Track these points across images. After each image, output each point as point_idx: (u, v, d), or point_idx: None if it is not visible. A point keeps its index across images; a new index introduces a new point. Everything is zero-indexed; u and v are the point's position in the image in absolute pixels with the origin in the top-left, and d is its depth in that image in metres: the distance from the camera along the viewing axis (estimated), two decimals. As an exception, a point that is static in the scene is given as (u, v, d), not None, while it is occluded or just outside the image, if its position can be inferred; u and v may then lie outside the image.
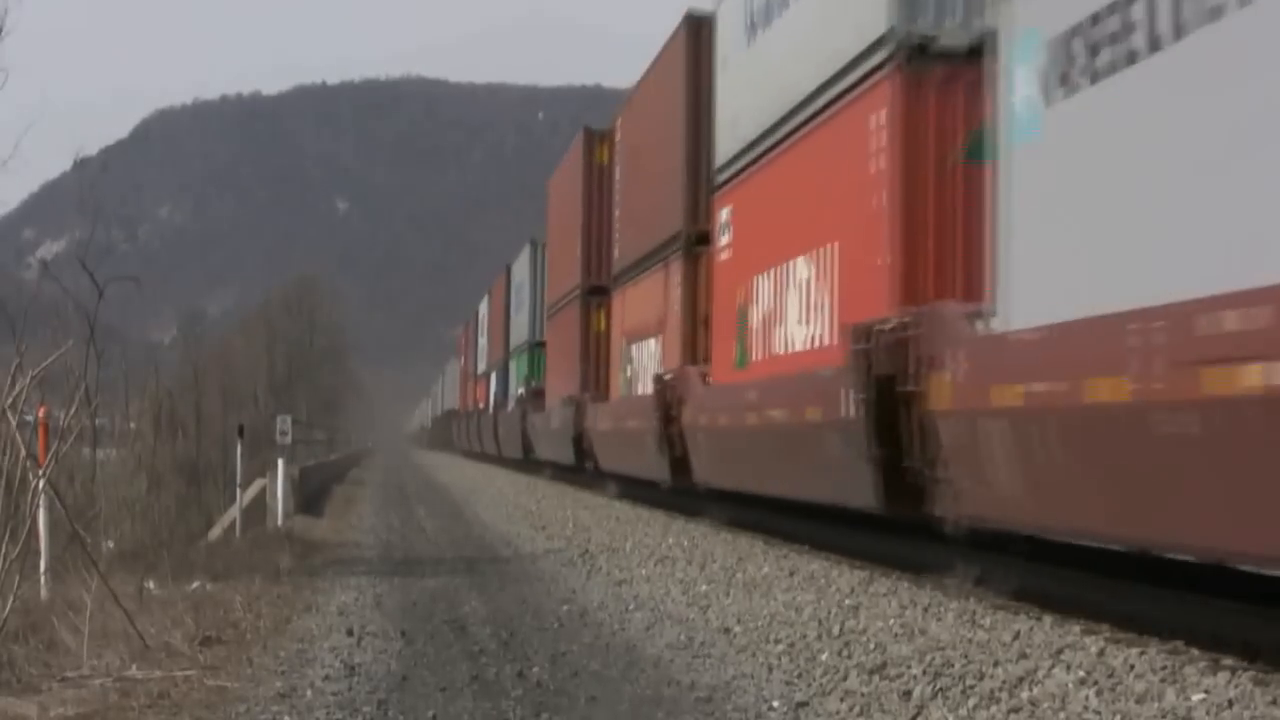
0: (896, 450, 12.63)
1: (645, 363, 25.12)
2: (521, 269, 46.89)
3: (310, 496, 31.99)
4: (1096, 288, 9.47)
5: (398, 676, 9.20)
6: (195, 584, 13.91)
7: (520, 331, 46.10)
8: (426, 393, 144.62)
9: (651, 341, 24.70)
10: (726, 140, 19.61)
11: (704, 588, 13.57)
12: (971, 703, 7.95)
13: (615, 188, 29.75)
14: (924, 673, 8.72)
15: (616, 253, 29.00)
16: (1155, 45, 8.89)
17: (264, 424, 36.98)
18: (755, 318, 17.81)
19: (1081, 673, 8.43)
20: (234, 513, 24.36)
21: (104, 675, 9.13)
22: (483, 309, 64.08)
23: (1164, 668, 8.47)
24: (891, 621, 10.86)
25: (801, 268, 15.99)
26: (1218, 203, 8.30)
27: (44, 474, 11.07)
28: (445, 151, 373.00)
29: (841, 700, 8.23)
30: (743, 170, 18.71)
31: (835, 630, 10.61)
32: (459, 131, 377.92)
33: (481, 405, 61.07)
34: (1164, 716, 7.46)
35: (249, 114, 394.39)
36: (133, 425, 26.23)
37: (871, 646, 9.83)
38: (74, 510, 13.34)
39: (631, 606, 12.58)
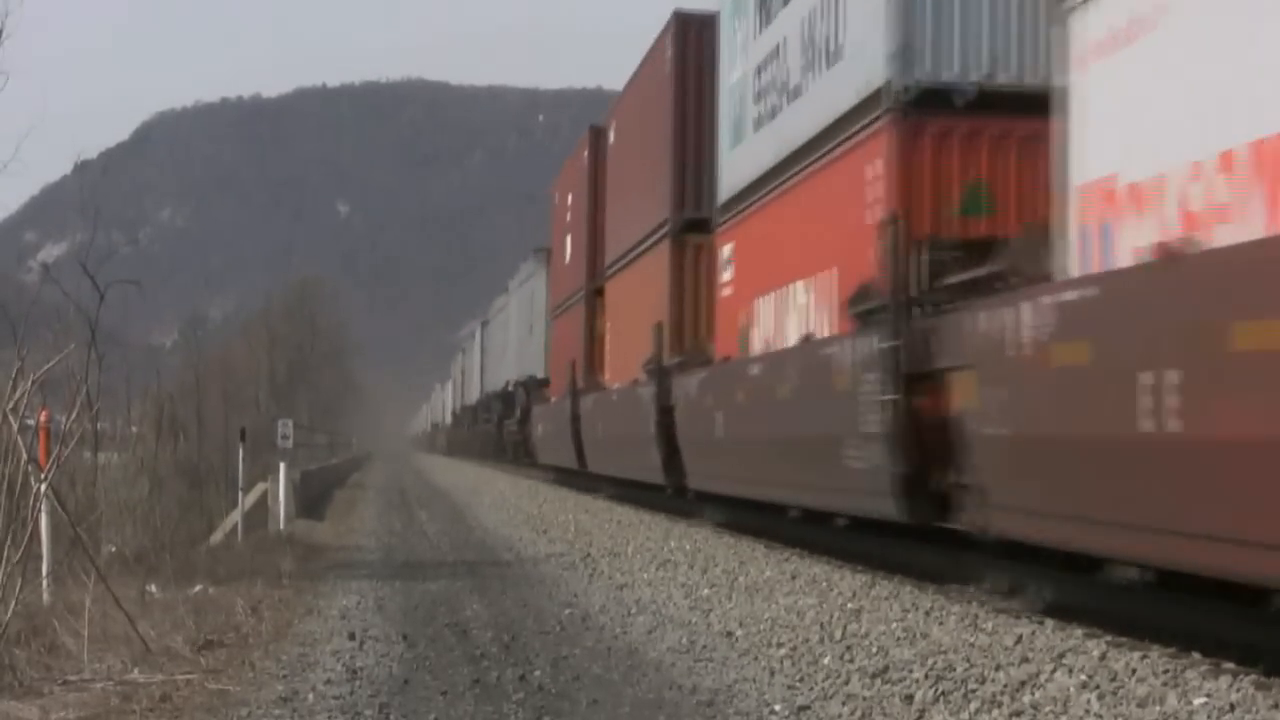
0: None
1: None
2: None
3: (311, 500, 32.00)
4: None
5: (399, 680, 9.20)
6: (197, 587, 13.91)
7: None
8: (431, 385, 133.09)
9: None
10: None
11: (706, 591, 13.57)
12: (973, 707, 7.95)
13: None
14: (926, 676, 8.72)
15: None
16: None
17: (265, 428, 36.95)
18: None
19: (1083, 676, 8.43)
20: (235, 516, 24.35)
21: (105, 679, 9.14)
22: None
23: (1166, 671, 8.47)
24: (894, 625, 10.86)
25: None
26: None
27: (45, 478, 11.07)
28: (446, 154, 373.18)
29: (843, 704, 8.22)
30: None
31: (837, 634, 10.60)
32: (460, 134, 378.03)
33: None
34: (1166, 720, 7.46)
35: (250, 116, 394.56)
36: (134, 429, 26.20)
37: (874, 650, 9.83)
38: (75, 514, 13.34)
39: (633, 610, 12.58)
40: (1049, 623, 10.60)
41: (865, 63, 14.00)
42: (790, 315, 16.75)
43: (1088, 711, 7.68)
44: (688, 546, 18.35)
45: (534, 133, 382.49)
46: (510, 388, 51.50)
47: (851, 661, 9.48)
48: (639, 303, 25.36)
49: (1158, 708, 7.66)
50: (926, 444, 12.58)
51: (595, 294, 30.53)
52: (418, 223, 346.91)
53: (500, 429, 55.36)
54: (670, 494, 23.88)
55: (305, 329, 73.36)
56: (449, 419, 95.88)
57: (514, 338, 51.19)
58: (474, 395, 71.00)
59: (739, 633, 10.99)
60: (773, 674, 9.28)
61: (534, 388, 42.99)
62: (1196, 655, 9.11)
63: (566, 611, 12.61)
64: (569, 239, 34.98)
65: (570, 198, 35.17)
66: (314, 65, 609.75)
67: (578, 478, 35.20)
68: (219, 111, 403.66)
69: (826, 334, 15.13)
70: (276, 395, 57.51)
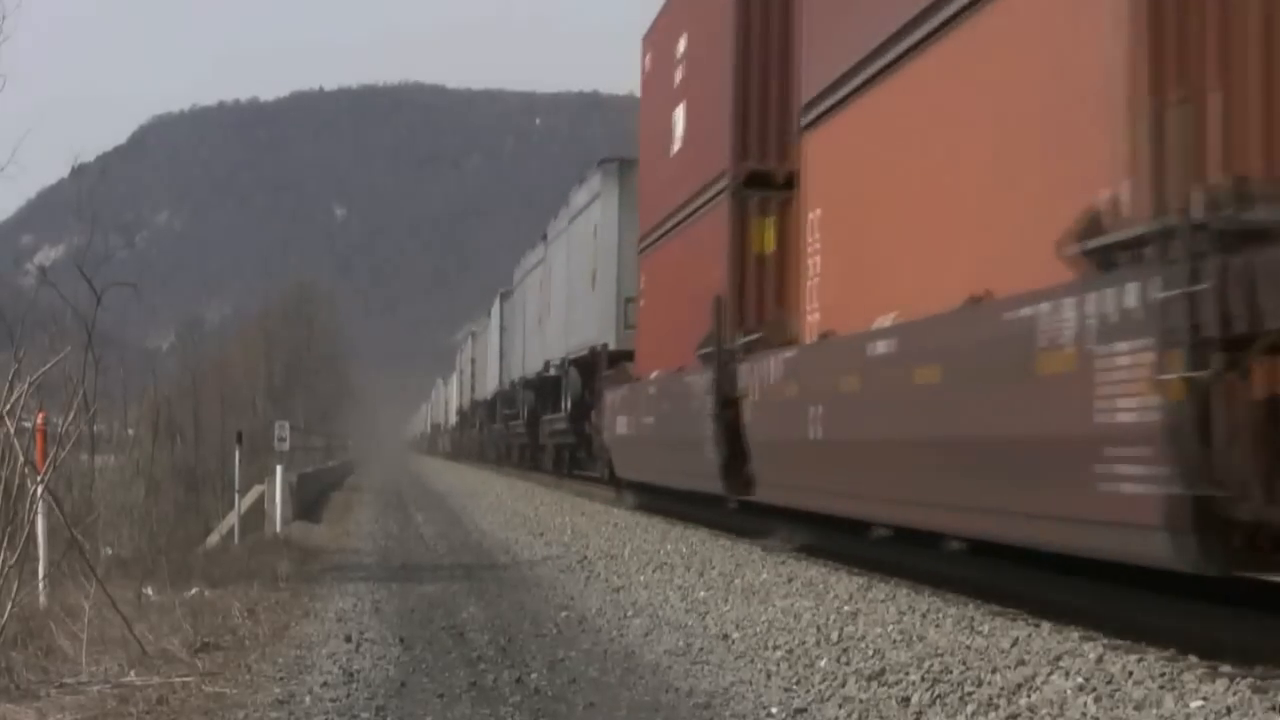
0: None
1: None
2: None
3: (308, 503, 31.99)
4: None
5: (396, 683, 9.20)
6: (193, 590, 13.91)
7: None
8: (430, 386, 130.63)
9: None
10: None
11: (703, 594, 13.56)
12: (970, 709, 7.96)
13: None
14: (922, 679, 8.72)
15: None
16: None
17: (262, 430, 37.00)
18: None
19: (1080, 679, 8.43)
20: (232, 519, 24.35)
21: (102, 681, 9.14)
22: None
23: (1162, 674, 8.47)
24: (890, 628, 10.86)
25: None
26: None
27: (42, 480, 11.07)
28: (443, 157, 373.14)
29: (840, 706, 8.23)
30: None
31: (834, 636, 10.61)
32: (456, 137, 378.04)
33: None
34: (1162, 723, 7.46)
35: (247, 120, 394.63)
36: (131, 432, 26.24)
37: (870, 653, 9.83)
38: (72, 517, 13.35)
39: (630, 613, 12.58)
40: (1045, 625, 10.61)
41: None
42: None
43: (1084, 714, 7.68)
44: (684, 549, 18.34)
45: (531, 135, 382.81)
46: (551, 370, 38.07)
47: (848, 664, 9.48)
48: (992, 122, 11.43)
49: (1155, 710, 7.66)
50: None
51: (752, 183, 18.15)
52: (414, 226, 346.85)
53: (534, 428, 42.27)
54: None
55: (302, 332, 73.32)
56: (453, 418, 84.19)
57: (560, 299, 36.71)
58: (489, 387, 57.31)
59: (735, 635, 10.99)
60: (769, 676, 9.29)
61: (600, 365, 29.72)
62: (1193, 658, 9.11)
63: (563, 614, 12.61)
64: (680, 114, 21.91)
65: (684, 42, 22.04)
66: (311, 69, 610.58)
67: (710, 510, 21.37)
68: (216, 115, 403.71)
69: None
70: (273, 398, 57.50)
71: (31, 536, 11.07)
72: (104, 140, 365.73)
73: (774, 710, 8.23)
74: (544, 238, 41.98)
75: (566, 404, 35.10)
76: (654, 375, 23.11)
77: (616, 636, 11.30)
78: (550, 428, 38.82)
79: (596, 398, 29.74)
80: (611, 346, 29.16)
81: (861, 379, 13.43)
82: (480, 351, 64.63)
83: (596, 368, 30.27)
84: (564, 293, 35.99)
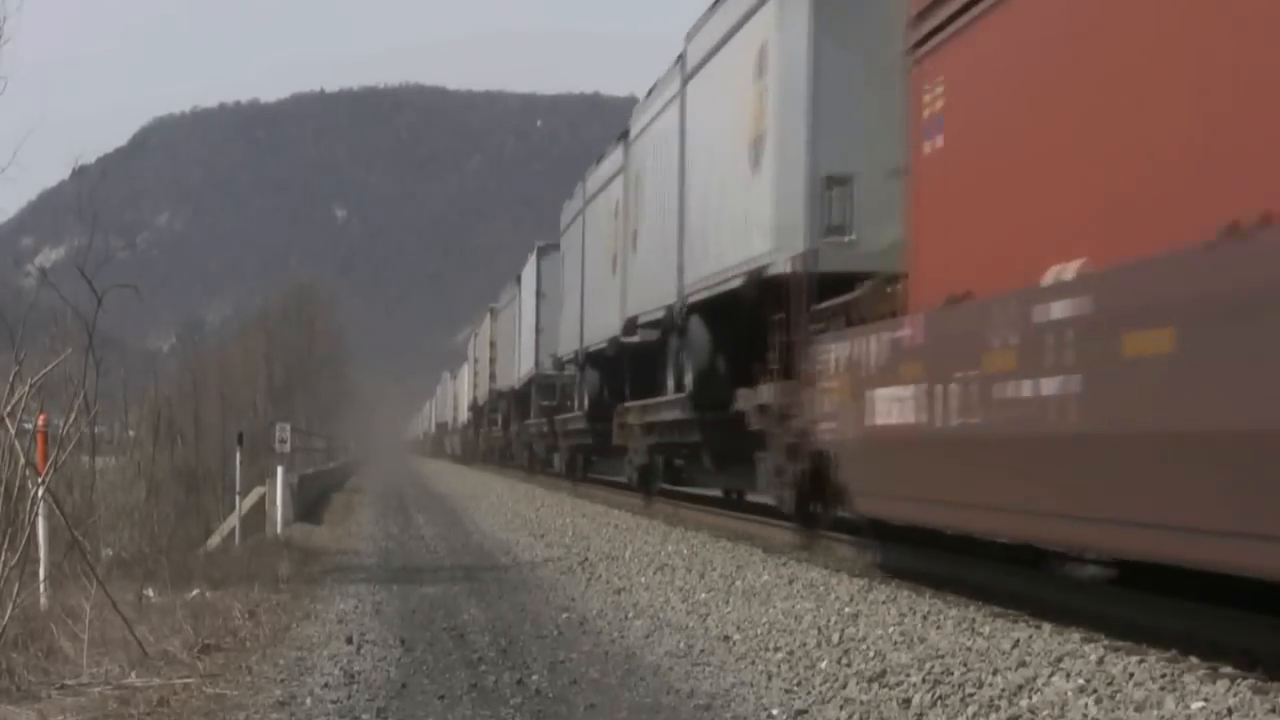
0: None
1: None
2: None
3: (309, 504, 31.99)
4: None
5: (397, 684, 9.20)
6: (194, 591, 13.91)
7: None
8: (431, 388, 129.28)
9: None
10: None
11: (703, 596, 13.56)
12: (971, 710, 7.96)
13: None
14: (923, 680, 8.72)
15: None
16: None
17: (263, 432, 36.99)
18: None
19: (1081, 680, 8.43)
20: (233, 520, 24.34)
21: (103, 683, 9.14)
22: None
23: (1163, 675, 8.47)
24: (891, 629, 10.86)
25: None
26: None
27: (43, 482, 11.07)
28: (444, 159, 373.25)
29: (841, 708, 8.23)
30: None
31: (835, 638, 10.61)
32: (458, 139, 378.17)
33: None
34: (1163, 724, 7.45)
35: (248, 121, 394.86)
36: (131, 433, 26.22)
37: (871, 654, 9.83)
38: (73, 518, 13.34)
39: (631, 614, 12.58)
40: (1046, 626, 10.60)
41: None
42: None
43: (1085, 715, 7.68)
44: (685, 551, 18.35)
45: (531, 137, 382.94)
46: (637, 334, 25.43)
47: (849, 665, 9.48)
48: None
49: (1155, 712, 7.66)
50: None
51: None
52: (415, 227, 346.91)
53: (601, 422, 29.46)
54: None
55: (303, 333, 73.35)
56: (464, 415, 71.93)
57: (663, 213, 23.49)
58: (520, 372, 45.41)
59: (736, 637, 10.99)
60: (770, 678, 9.29)
61: (795, 297, 16.09)
62: (1194, 659, 9.11)
63: (564, 615, 12.61)
64: None
65: None
66: (311, 70, 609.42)
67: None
68: (217, 116, 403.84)
69: None
70: (274, 399, 57.48)
71: (32, 538, 11.07)
72: (105, 141, 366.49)
73: (775, 712, 8.23)
74: (622, 137, 28.43)
75: (684, 379, 21.68)
76: (1062, 275, 9.60)
77: (617, 638, 11.30)
78: (643, 419, 25.15)
79: (787, 358, 16.46)
80: (817, 266, 16.07)
81: None
82: (504, 331, 51.86)
83: (783, 301, 16.60)
84: (674, 196, 22.60)
